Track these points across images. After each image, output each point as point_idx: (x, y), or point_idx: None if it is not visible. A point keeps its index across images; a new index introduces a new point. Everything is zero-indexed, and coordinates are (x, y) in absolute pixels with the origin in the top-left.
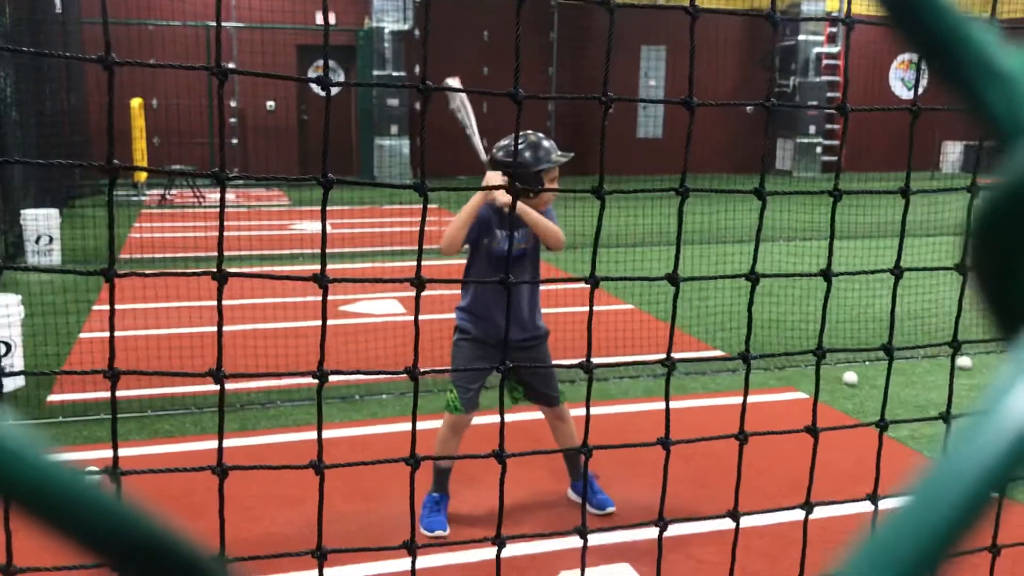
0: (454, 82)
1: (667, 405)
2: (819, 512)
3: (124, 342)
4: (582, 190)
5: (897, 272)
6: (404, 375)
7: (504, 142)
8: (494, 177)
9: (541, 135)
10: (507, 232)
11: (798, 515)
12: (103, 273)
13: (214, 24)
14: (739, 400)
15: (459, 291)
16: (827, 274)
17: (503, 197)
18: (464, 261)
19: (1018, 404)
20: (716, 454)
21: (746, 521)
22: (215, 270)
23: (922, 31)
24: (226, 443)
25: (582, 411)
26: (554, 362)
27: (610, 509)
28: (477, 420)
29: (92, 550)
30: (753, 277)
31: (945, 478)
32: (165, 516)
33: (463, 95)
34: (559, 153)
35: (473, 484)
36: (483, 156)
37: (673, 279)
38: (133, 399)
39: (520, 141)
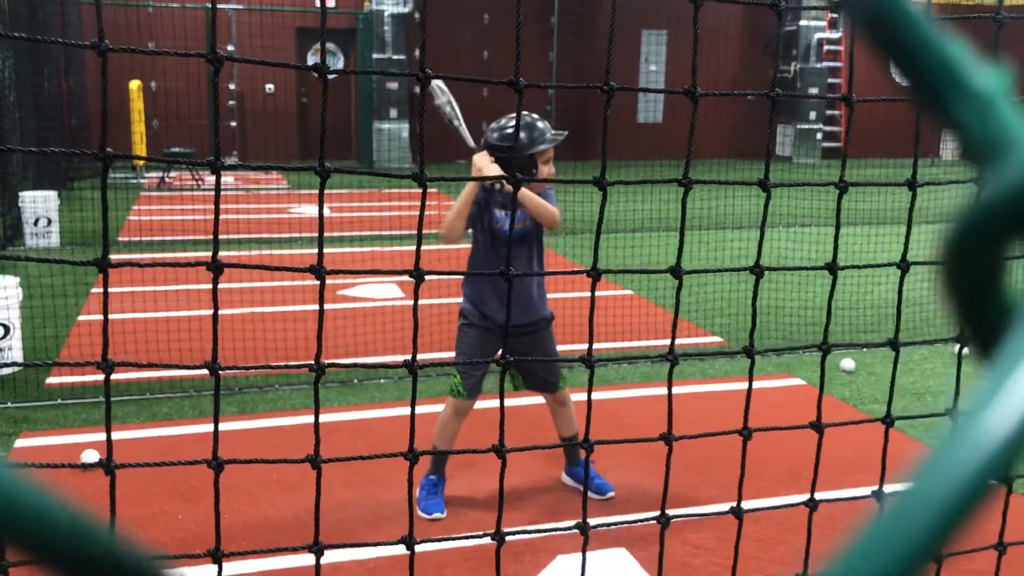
0: (440, 86)
1: (670, 401)
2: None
3: (122, 325)
4: (584, 180)
5: (903, 266)
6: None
7: (499, 123)
8: (483, 158)
9: (536, 116)
10: (506, 212)
11: (794, 502)
12: (97, 263)
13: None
14: (736, 386)
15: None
16: (832, 267)
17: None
18: (469, 246)
19: (995, 420)
20: (713, 440)
21: (744, 508)
22: (211, 260)
23: (893, 45)
24: (224, 427)
25: (582, 396)
26: (555, 355)
27: (610, 494)
28: (478, 404)
29: (36, 557)
30: (758, 270)
31: (928, 484)
32: (110, 523)
33: (448, 94)
34: (553, 133)
35: (471, 468)
36: (471, 144)
37: (676, 272)
38: (132, 382)
39: (513, 122)
